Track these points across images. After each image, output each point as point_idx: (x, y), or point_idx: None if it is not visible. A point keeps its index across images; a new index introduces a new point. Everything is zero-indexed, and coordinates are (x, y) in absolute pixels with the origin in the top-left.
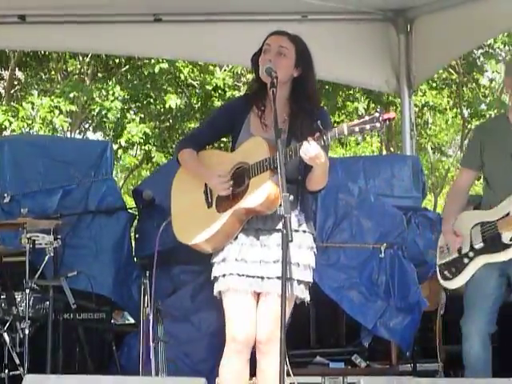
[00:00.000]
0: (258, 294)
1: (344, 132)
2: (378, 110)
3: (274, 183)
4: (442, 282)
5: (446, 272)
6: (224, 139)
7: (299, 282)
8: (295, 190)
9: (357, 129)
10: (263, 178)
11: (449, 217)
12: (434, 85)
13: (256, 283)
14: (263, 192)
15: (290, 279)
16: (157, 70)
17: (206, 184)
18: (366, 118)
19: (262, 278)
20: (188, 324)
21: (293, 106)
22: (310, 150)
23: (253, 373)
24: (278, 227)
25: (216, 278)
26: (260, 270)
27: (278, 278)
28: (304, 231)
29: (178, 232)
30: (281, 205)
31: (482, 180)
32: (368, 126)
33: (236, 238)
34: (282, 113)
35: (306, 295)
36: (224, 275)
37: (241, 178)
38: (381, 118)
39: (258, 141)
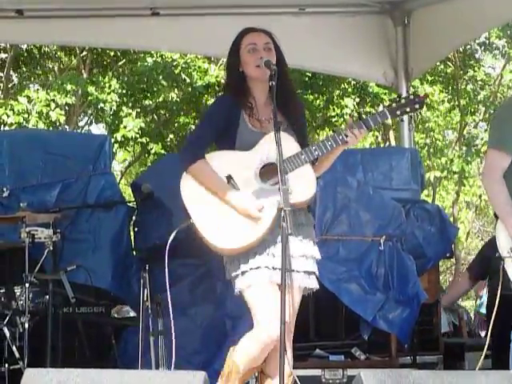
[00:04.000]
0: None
1: (387, 116)
2: (412, 93)
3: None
4: None
5: None
6: None
7: (309, 273)
8: None
9: (398, 112)
10: (306, 171)
11: (510, 209)
12: (429, 79)
13: (277, 275)
14: (312, 185)
15: (296, 271)
16: (150, 61)
17: (231, 184)
18: (403, 100)
19: (293, 270)
20: (184, 317)
21: (281, 99)
22: (355, 140)
23: None
24: (301, 222)
25: (243, 273)
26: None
27: (298, 271)
28: (314, 225)
29: (214, 238)
30: (280, 198)
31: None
32: (408, 108)
33: None
34: (268, 106)
35: (315, 284)
36: (258, 267)
37: (268, 174)
38: (418, 99)
39: (282, 135)
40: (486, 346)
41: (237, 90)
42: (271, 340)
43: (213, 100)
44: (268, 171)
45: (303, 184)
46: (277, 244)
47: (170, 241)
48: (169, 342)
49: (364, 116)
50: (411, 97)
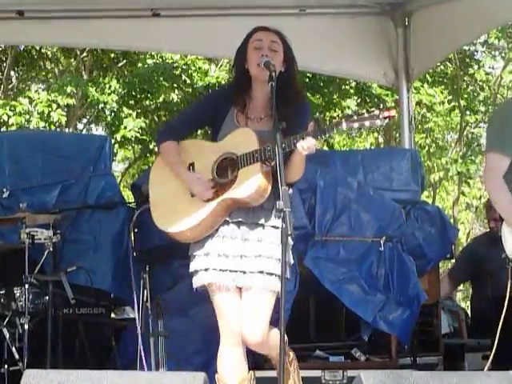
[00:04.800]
0: (240, 289)
1: (342, 127)
2: (379, 107)
3: (264, 175)
4: None
5: None
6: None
7: (269, 274)
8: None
9: (356, 125)
10: (253, 170)
11: None
12: (430, 80)
13: (238, 277)
14: (253, 183)
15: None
16: (150, 62)
17: (189, 170)
18: (366, 114)
19: (244, 272)
20: (185, 317)
21: (279, 101)
22: (308, 144)
23: (252, 367)
24: (259, 222)
25: (196, 272)
26: (241, 264)
27: (259, 272)
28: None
29: (157, 219)
30: (280, 198)
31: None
32: (367, 123)
33: (217, 230)
34: (265, 105)
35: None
36: (207, 269)
37: (227, 168)
38: (381, 116)
39: (246, 132)
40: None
41: (238, 85)
42: (232, 334)
43: None
44: (229, 164)
45: (244, 182)
46: (232, 241)
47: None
48: (169, 343)
49: (324, 124)
50: (375, 112)
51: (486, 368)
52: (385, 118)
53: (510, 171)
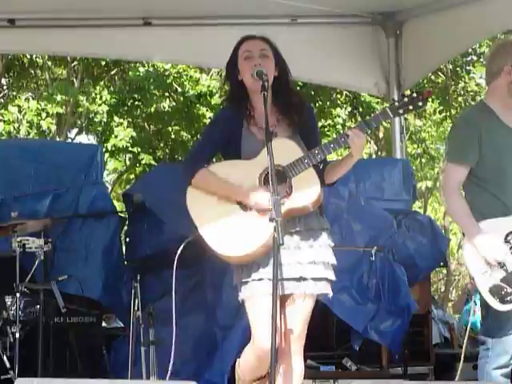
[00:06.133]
0: (283, 296)
1: (389, 115)
2: (415, 90)
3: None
4: (500, 306)
5: (503, 292)
6: None
7: (318, 279)
8: None
9: (401, 110)
10: (309, 176)
11: (474, 222)
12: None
13: (292, 285)
14: (314, 189)
15: (326, 280)
16: (141, 70)
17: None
18: (405, 99)
19: (303, 278)
20: (176, 327)
21: (281, 105)
22: (359, 141)
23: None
24: (313, 227)
25: (246, 282)
26: (296, 271)
27: (313, 279)
28: (323, 228)
29: (217, 245)
30: (272, 208)
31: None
32: (411, 106)
33: None
34: (272, 114)
35: (325, 290)
36: (261, 279)
37: (277, 179)
38: (421, 97)
39: (283, 142)
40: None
41: (236, 99)
42: (263, 352)
43: (204, 109)
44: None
45: (305, 188)
46: (286, 251)
47: (178, 252)
48: (160, 352)
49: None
50: (414, 94)
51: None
52: (424, 97)
53: (472, 182)
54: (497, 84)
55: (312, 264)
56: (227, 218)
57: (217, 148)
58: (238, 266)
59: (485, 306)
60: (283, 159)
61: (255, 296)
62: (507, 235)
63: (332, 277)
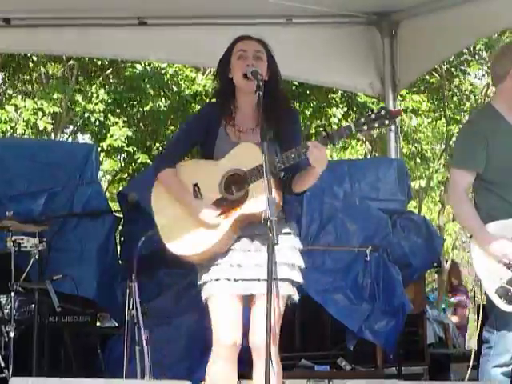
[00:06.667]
0: (248, 298)
1: (352, 131)
2: (383, 107)
3: (275, 187)
4: (507, 307)
5: (510, 294)
6: None
7: (293, 282)
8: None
9: (365, 127)
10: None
11: (482, 225)
12: (415, 89)
13: (252, 286)
14: (264, 200)
15: (289, 280)
16: (137, 70)
17: (195, 193)
18: (373, 116)
19: (259, 279)
20: (169, 326)
21: (266, 109)
22: (318, 152)
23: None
24: (262, 231)
25: (205, 283)
26: (255, 272)
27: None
28: (292, 233)
29: (169, 243)
30: (266, 207)
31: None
32: (376, 124)
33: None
34: (254, 116)
35: (297, 295)
36: (218, 279)
37: (233, 184)
38: (389, 115)
39: (249, 146)
40: (473, 357)
41: (222, 96)
42: (221, 346)
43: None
44: (236, 180)
45: (259, 196)
46: (246, 253)
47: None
48: (153, 351)
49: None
50: (382, 112)
51: (467, 374)
52: (392, 116)
53: (480, 184)
54: (503, 87)
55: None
56: (183, 217)
57: (192, 144)
58: (199, 267)
59: (490, 304)
60: (246, 164)
61: (214, 297)
62: None
63: (298, 278)
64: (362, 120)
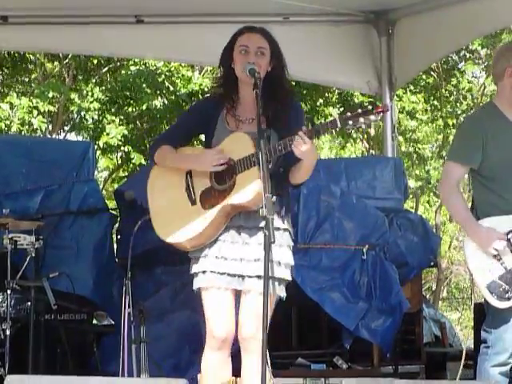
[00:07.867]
0: (238, 292)
1: (337, 125)
2: (370, 102)
3: (261, 179)
4: (498, 303)
5: (501, 289)
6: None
7: (280, 280)
8: (275, 183)
9: (350, 122)
10: (252, 174)
11: (471, 216)
12: (412, 88)
13: (236, 281)
14: (252, 188)
15: (273, 278)
16: (133, 69)
17: (187, 181)
18: (359, 110)
19: (243, 276)
20: (165, 324)
21: (268, 101)
22: (303, 145)
23: (235, 373)
24: (260, 225)
25: (196, 274)
26: (240, 268)
27: (258, 276)
28: (285, 229)
29: (160, 230)
30: (263, 205)
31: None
32: (362, 119)
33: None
34: (255, 108)
35: (283, 293)
36: (204, 272)
37: (225, 173)
38: (375, 111)
39: (241, 136)
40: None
41: (225, 84)
42: (214, 338)
43: None
44: (228, 169)
45: (245, 186)
46: (234, 245)
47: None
48: (149, 348)
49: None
50: (369, 107)
51: (459, 373)
52: (378, 112)
53: (477, 180)
54: (502, 85)
55: (258, 261)
56: (174, 206)
57: (188, 134)
58: (191, 257)
59: (486, 302)
60: (236, 154)
61: (202, 289)
62: (508, 233)
63: (287, 276)
64: (348, 114)
